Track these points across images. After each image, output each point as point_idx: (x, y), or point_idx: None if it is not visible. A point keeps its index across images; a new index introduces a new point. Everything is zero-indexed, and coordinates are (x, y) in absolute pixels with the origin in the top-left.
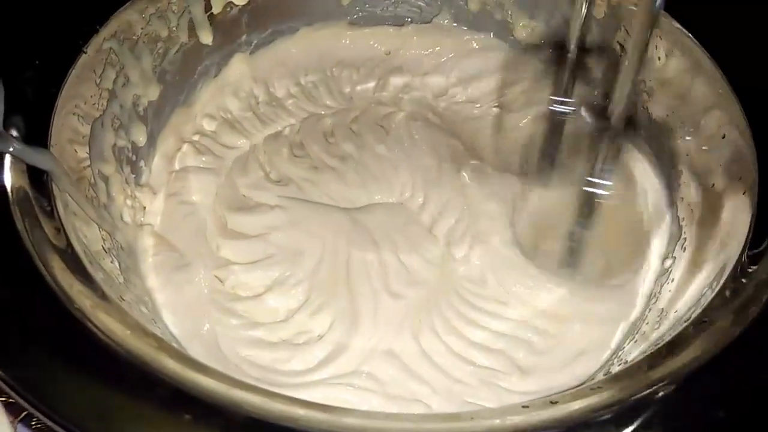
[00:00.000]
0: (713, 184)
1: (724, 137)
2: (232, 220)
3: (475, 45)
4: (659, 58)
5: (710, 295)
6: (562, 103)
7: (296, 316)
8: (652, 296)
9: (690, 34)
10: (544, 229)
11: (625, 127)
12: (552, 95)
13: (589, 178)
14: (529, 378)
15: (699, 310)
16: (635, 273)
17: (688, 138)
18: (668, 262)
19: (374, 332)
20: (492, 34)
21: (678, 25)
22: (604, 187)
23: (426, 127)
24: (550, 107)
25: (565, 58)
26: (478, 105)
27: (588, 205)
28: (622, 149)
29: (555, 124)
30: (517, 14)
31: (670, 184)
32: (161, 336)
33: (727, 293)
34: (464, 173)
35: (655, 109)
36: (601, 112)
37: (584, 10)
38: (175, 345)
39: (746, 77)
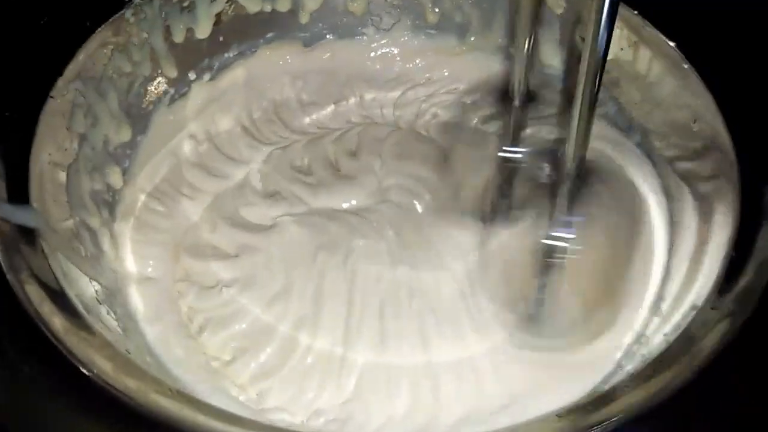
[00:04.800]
0: (702, 199)
1: (709, 151)
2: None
3: None
4: (649, 79)
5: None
6: (512, 150)
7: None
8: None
9: (681, 52)
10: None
11: (578, 175)
12: (502, 140)
13: (550, 232)
14: None
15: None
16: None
17: (680, 162)
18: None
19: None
20: (455, 43)
21: (672, 45)
22: (567, 240)
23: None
24: (500, 154)
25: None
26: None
27: (548, 259)
28: (575, 198)
29: (507, 172)
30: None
31: (672, 206)
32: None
33: (697, 327)
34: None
35: (649, 127)
36: (552, 158)
37: (528, 49)
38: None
39: (730, 92)
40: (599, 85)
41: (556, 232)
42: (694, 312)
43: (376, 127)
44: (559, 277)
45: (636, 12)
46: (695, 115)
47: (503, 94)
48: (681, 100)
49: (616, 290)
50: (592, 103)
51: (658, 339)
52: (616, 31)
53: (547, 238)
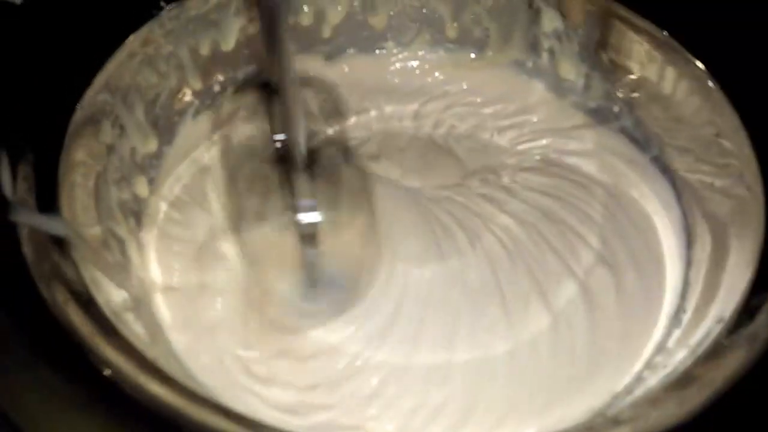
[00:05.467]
0: (723, 212)
1: (731, 167)
2: None
3: None
4: (672, 97)
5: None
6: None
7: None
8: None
9: (708, 72)
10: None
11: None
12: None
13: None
14: None
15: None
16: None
17: (700, 177)
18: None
19: None
20: (473, 56)
21: (698, 64)
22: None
23: None
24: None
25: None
26: None
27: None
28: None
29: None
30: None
31: (688, 230)
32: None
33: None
34: None
35: (668, 141)
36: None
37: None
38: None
39: (756, 110)
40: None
41: (304, 213)
42: (720, 325)
43: (396, 137)
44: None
45: (663, 30)
46: (718, 131)
47: None
48: (704, 116)
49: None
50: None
51: (682, 351)
52: (638, 47)
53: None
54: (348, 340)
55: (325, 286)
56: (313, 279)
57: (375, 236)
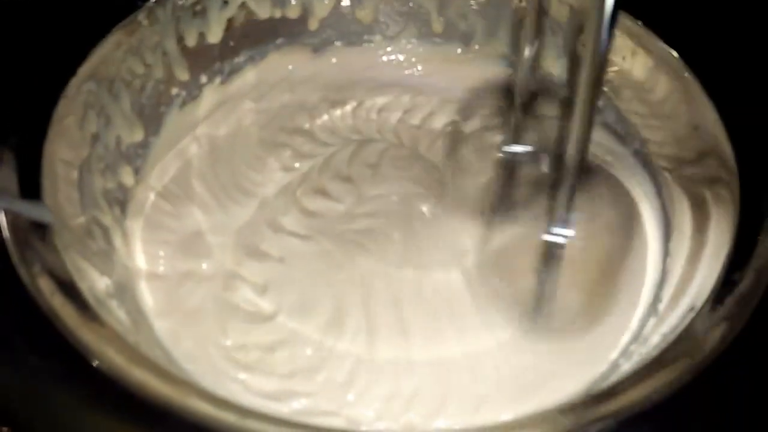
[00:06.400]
0: (700, 204)
1: (708, 158)
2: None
3: None
4: (650, 88)
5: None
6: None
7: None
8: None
9: (683, 61)
10: (502, 271)
11: (578, 173)
12: (504, 140)
13: (550, 228)
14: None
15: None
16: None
17: (679, 169)
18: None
19: None
20: (459, 50)
21: (674, 54)
22: (566, 236)
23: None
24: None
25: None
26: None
27: (549, 254)
28: (574, 196)
29: (509, 169)
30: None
31: (668, 221)
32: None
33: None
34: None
35: (648, 134)
36: (555, 157)
37: (531, 52)
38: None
39: (731, 100)
40: (600, 86)
41: (557, 228)
42: (692, 314)
43: (374, 144)
44: (559, 271)
45: (638, 21)
46: (695, 123)
47: (506, 93)
48: (681, 108)
49: (610, 284)
50: (593, 104)
51: (655, 339)
52: (618, 40)
53: (547, 235)
54: (305, 328)
55: (542, 314)
56: (537, 300)
57: (609, 287)
